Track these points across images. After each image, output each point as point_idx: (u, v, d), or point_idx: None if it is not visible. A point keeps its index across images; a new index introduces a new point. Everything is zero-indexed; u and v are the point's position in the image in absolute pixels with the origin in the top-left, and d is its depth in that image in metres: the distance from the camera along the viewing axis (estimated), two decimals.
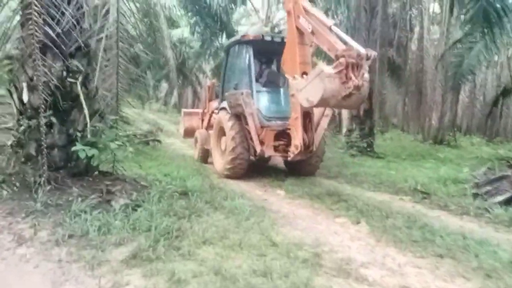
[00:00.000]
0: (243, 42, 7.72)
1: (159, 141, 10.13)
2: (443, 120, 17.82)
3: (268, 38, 7.53)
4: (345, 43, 5.06)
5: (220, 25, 15.51)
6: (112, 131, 4.89)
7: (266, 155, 7.23)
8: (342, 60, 4.77)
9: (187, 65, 22.87)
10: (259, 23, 19.78)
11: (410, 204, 5.72)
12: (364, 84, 4.85)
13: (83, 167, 4.68)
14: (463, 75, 12.76)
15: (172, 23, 22.32)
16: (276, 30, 20.25)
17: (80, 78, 4.50)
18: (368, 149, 11.79)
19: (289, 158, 6.81)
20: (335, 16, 11.73)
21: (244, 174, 7.27)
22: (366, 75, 4.95)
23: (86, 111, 4.46)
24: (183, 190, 5.10)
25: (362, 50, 4.78)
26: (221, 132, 7.68)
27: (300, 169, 7.63)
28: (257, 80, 7.73)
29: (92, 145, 4.47)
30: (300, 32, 6.07)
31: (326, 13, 11.87)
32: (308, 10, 5.88)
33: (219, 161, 7.66)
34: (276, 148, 7.15)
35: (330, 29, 5.32)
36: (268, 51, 7.98)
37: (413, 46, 14.74)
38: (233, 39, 8.58)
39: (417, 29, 13.91)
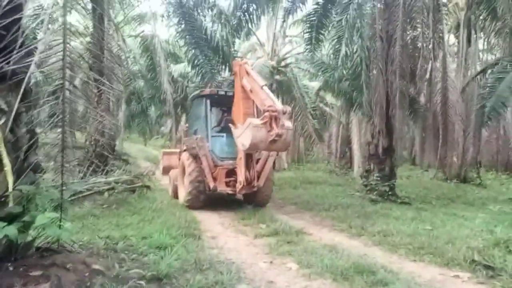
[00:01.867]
0: (202, 96, 9.46)
1: (148, 187, 8.72)
2: (466, 156, 16.27)
3: (222, 93, 9.34)
4: (270, 100, 6.71)
5: (222, 57, 14.45)
6: (49, 194, 3.46)
7: (219, 189, 8.38)
8: (266, 114, 6.38)
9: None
10: (264, 57, 18.83)
11: (474, 287, 4.12)
12: (284, 132, 6.42)
13: (5, 248, 3.21)
14: (494, 108, 11.33)
15: (176, 59, 21.58)
16: (283, 64, 19.31)
17: (1, 120, 3.14)
18: (390, 193, 10.22)
19: (237, 192, 8.23)
20: (349, 45, 10.54)
21: (203, 206, 8.42)
22: (288, 124, 6.60)
23: (8, 167, 3.06)
24: (153, 275, 3.59)
25: (280, 107, 6.55)
26: (184, 170, 8.85)
27: (253, 199, 8.66)
28: (218, 125, 9.42)
29: (15, 217, 3.04)
30: (244, 89, 7.67)
31: (339, 40, 10.71)
32: (249, 72, 7.57)
33: (182, 194, 8.86)
34: (227, 184, 8.37)
35: (261, 88, 6.99)
36: (225, 103, 9.17)
37: (435, 77, 13.46)
38: (195, 93, 10.56)
39: (439, 59, 12.65)
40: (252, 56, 23.27)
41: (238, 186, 7.95)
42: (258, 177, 8.12)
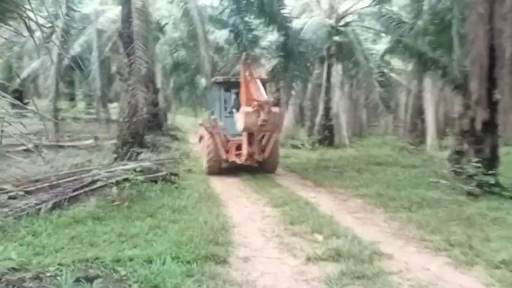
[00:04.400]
0: (216, 82, 11.05)
1: (175, 175, 7.07)
2: None
3: (233, 80, 10.65)
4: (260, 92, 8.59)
5: (270, 19, 12.08)
6: None
7: (230, 160, 9.85)
8: (256, 103, 8.17)
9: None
10: (321, 15, 16.13)
11: None
12: (271, 117, 8.25)
13: None
14: None
15: (223, 24, 19.58)
16: (343, 22, 16.48)
17: None
18: (493, 184, 7.60)
19: (241, 162, 9.68)
20: None
21: (220, 173, 9.84)
22: (275, 109, 8.63)
23: None
24: None
25: (265, 98, 8.48)
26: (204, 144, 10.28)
27: (263, 168, 10.09)
28: (231, 107, 10.66)
29: None
30: (246, 79, 9.14)
31: None
32: (247, 66, 9.26)
33: (203, 163, 10.25)
34: (237, 155, 9.75)
35: (255, 79, 8.92)
36: (236, 88, 10.17)
37: None
38: (212, 79, 11.70)
39: None
40: (308, 17, 20.46)
41: (242, 158, 9.59)
42: (263, 151, 9.70)
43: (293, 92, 12.71)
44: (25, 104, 26.04)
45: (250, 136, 9.36)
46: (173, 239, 4.48)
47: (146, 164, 6.66)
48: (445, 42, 9.87)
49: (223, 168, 10.13)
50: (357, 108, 28.82)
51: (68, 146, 12.79)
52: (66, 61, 14.44)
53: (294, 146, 17.36)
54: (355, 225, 5.60)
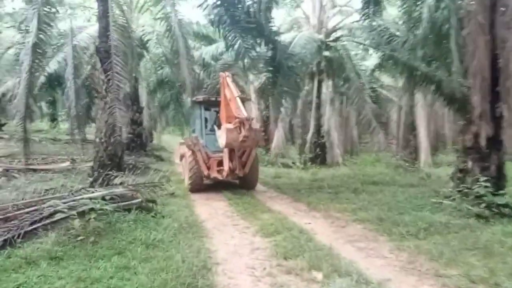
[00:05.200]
0: (197, 101, 11.26)
1: (153, 201, 6.27)
2: None
3: (213, 99, 11.09)
4: (240, 110, 8.47)
5: (259, 33, 11.56)
6: None
7: (212, 176, 10.18)
8: (237, 120, 8.19)
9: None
10: (310, 30, 15.75)
11: None
12: (252, 133, 8.27)
13: None
14: None
15: (209, 41, 19.08)
16: (333, 37, 16.10)
17: None
18: (503, 205, 6.96)
19: (223, 177, 10.04)
20: None
21: (201, 190, 10.15)
22: (255, 127, 8.78)
23: None
24: None
25: (245, 115, 8.27)
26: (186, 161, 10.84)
27: (243, 184, 10.49)
28: (211, 125, 10.99)
29: None
30: (226, 98, 9.31)
31: None
32: (229, 84, 9.33)
33: (185, 180, 10.78)
34: (218, 171, 10.13)
35: (236, 97, 8.76)
36: (216, 106, 10.65)
37: None
38: (193, 98, 11.88)
39: None
40: (298, 31, 20.13)
41: (224, 173, 9.84)
42: (244, 166, 9.91)
43: (282, 109, 12.06)
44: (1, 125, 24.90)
45: (231, 152, 9.71)
46: (142, 283, 3.69)
47: (119, 190, 5.84)
48: (441, 55, 9.46)
49: (205, 185, 10.46)
50: (348, 124, 28.42)
51: (42, 170, 11.86)
52: (42, 79, 13.73)
53: (285, 165, 16.67)
54: (358, 257, 4.87)
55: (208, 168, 10.14)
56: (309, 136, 17.02)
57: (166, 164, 17.29)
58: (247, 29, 9.84)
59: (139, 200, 5.86)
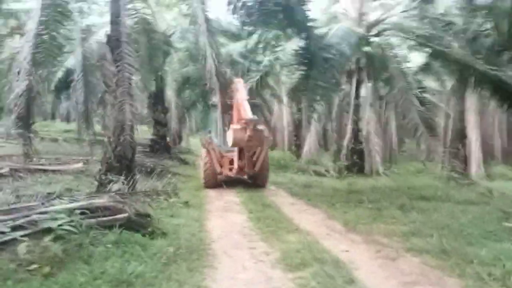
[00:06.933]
0: (213, 104, 11.71)
1: (147, 216, 4.95)
2: None
3: (228, 102, 11.14)
4: (247, 112, 9.43)
5: (296, 27, 10.01)
6: None
7: (224, 173, 11.09)
8: (243, 121, 9.20)
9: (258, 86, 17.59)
10: (347, 23, 14.09)
11: None
12: (257, 134, 9.25)
13: None
14: None
15: (237, 37, 17.84)
16: (375, 31, 14.36)
17: None
18: None
19: (233, 175, 10.93)
20: None
21: (216, 186, 10.99)
22: (260, 127, 9.74)
23: None
24: None
25: (251, 117, 9.27)
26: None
27: (254, 182, 11.18)
28: (225, 126, 11.39)
29: None
30: (237, 101, 10.34)
31: None
32: (239, 89, 10.65)
33: (200, 176, 11.53)
34: (230, 169, 11.04)
35: (244, 100, 9.91)
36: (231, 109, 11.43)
37: None
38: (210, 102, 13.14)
39: None
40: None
41: (234, 171, 10.71)
42: (254, 165, 10.53)
43: (316, 107, 10.50)
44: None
45: (241, 151, 10.42)
46: None
47: (101, 201, 4.57)
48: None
49: (220, 182, 11.19)
50: (387, 131, 26.30)
51: (53, 171, 10.98)
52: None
53: (317, 173, 15.05)
54: None
55: (221, 166, 10.96)
56: (345, 141, 15.29)
57: (189, 168, 16.14)
58: (273, 13, 8.40)
59: (126, 215, 4.55)
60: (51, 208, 4.01)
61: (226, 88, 16.37)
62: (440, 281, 4.17)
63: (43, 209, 3.96)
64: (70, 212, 4.00)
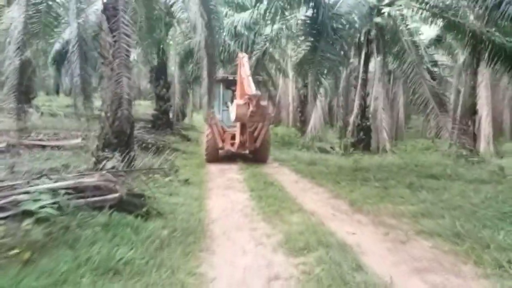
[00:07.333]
0: (217, 80, 11.58)
1: (140, 196, 4.64)
2: None
3: (231, 78, 12.09)
4: (250, 87, 9.20)
5: None
6: None
7: (225, 148, 11.25)
8: (246, 96, 9.05)
9: (264, 59, 16.96)
10: None
11: None
12: (259, 109, 9.09)
13: None
14: None
15: (241, 7, 17.10)
16: (387, 0, 13.61)
17: None
18: None
19: (235, 150, 11.09)
20: None
21: (217, 160, 11.31)
22: (263, 103, 9.96)
23: None
24: None
25: (254, 93, 8.96)
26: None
27: (255, 157, 11.51)
28: (228, 102, 12.02)
29: None
30: (241, 77, 10.15)
31: None
32: (244, 64, 10.20)
33: (202, 151, 11.91)
34: (231, 144, 11.14)
35: (248, 76, 9.62)
36: (233, 85, 11.64)
37: None
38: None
39: None
40: None
41: (235, 146, 10.90)
42: (255, 141, 10.96)
43: (323, 82, 10.02)
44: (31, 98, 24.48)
45: (243, 127, 10.63)
46: None
47: (90, 180, 4.27)
48: None
49: (221, 156, 11.62)
50: (394, 107, 25.72)
51: (52, 146, 10.72)
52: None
53: (322, 150, 14.71)
54: None
55: (223, 141, 11.13)
56: (352, 117, 14.83)
57: (192, 144, 15.84)
58: None
59: (117, 195, 4.25)
60: (34, 187, 3.73)
61: (230, 63, 15.90)
62: (455, 268, 3.87)
63: (27, 189, 3.67)
64: (55, 192, 3.70)
